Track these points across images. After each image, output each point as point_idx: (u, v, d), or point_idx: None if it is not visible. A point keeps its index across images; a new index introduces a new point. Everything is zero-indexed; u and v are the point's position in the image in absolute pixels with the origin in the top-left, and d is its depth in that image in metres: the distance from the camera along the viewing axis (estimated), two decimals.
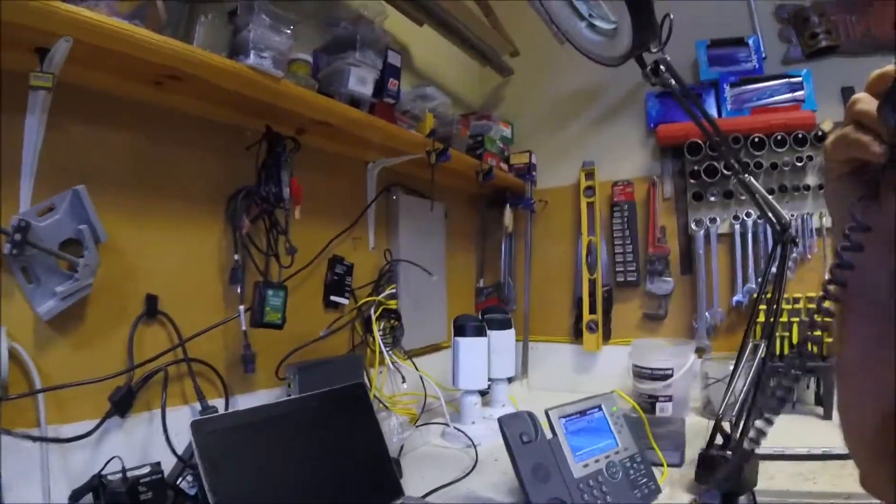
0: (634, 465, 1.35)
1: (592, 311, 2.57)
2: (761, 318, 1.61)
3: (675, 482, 1.44)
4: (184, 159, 1.44)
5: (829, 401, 1.91)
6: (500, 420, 1.23)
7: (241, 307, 1.46)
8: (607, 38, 1.10)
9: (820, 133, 2.17)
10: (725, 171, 2.25)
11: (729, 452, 1.27)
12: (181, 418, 1.33)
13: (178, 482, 1.25)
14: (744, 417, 1.30)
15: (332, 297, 1.85)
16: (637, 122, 2.58)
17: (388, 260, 2.11)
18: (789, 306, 2.08)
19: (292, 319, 1.55)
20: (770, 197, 1.40)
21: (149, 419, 1.31)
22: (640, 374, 2.13)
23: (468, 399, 1.96)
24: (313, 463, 1.22)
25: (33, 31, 0.99)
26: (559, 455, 1.24)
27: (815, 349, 2.00)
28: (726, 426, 1.33)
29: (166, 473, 1.23)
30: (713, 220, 2.36)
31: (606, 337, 2.59)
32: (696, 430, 1.74)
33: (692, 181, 2.38)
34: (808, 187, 2.21)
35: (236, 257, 1.48)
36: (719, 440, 1.33)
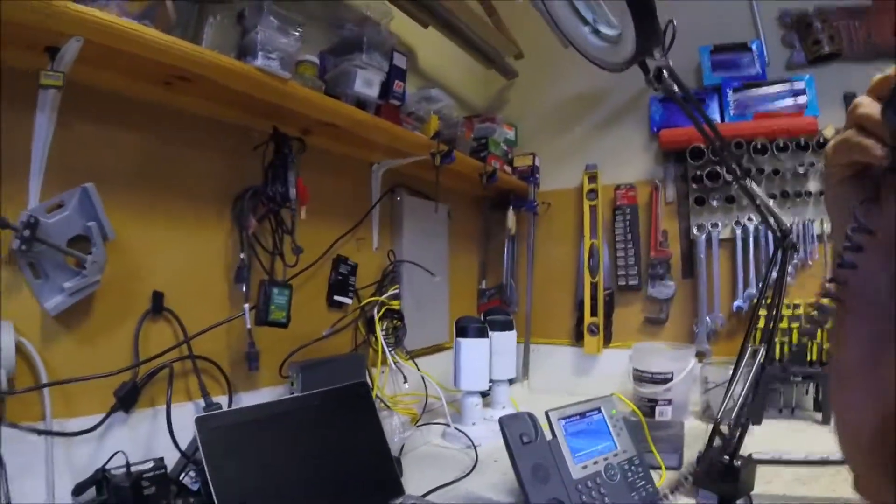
0: (633, 467, 1.36)
1: (594, 313, 2.57)
2: (761, 324, 1.61)
3: (672, 485, 1.45)
4: (191, 159, 1.46)
5: (828, 406, 1.92)
6: (500, 420, 1.25)
7: (246, 305, 1.47)
8: (611, 44, 1.11)
9: (822, 139, 2.17)
10: (727, 177, 2.26)
11: (727, 457, 1.28)
12: (185, 414, 1.34)
13: (181, 477, 1.27)
14: (742, 422, 1.30)
15: (336, 297, 1.86)
16: (640, 127, 2.59)
17: (392, 260, 2.13)
18: (789, 312, 2.09)
19: (296, 318, 1.56)
20: (771, 203, 1.40)
21: (153, 415, 1.32)
22: (641, 377, 2.13)
23: (469, 400, 1.97)
24: (315, 460, 1.23)
25: (44, 31, 1.00)
26: (558, 456, 1.25)
27: (813, 354, 2.01)
28: (725, 430, 1.34)
29: (169, 469, 1.25)
30: (715, 225, 2.36)
31: (607, 340, 2.60)
32: (696, 433, 1.75)
33: (694, 186, 2.39)
34: (809, 193, 2.22)
35: (242, 256, 1.50)
36: (717, 444, 1.34)
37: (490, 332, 2.05)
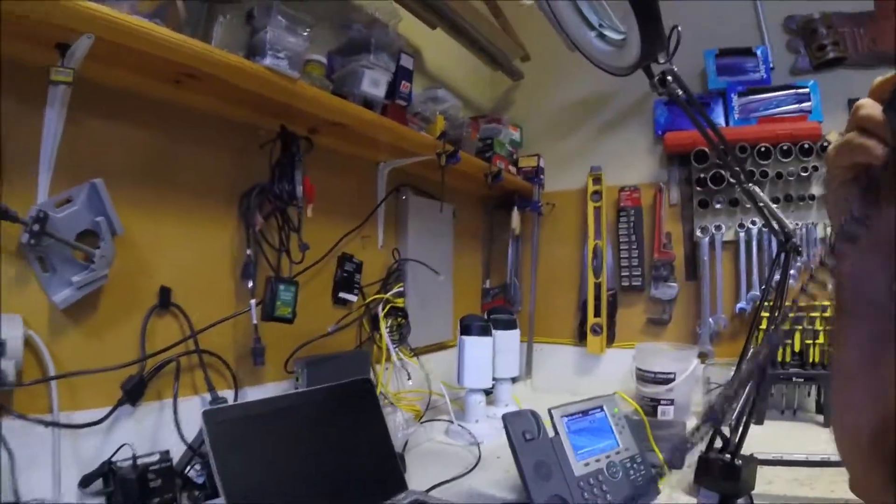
0: (634, 465, 1.37)
1: (597, 314, 2.58)
2: (763, 326, 1.62)
3: (673, 483, 1.46)
4: (199, 156, 1.47)
5: (830, 408, 1.93)
6: (503, 417, 1.25)
7: (253, 301, 1.49)
8: (616, 48, 1.12)
9: (826, 144, 2.17)
10: (731, 180, 2.27)
11: (728, 455, 1.29)
12: (191, 408, 1.36)
13: (186, 470, 1.28)
14: (742, 422, 1.31)
15: (341, 294, 1.88)
16: (645, 129, 2.60)
17: (397, 259, 2.14)
18: (792, 314, 2.09)
19: (301, 315, 1.57)
20: (774, 206, 1.41)
21: (159, 408, 1.34)
22: (643, 377, 2.14)
23: (472, 397, 1.98)
24: (319, 455, 1.24)
25: (55, 27, 1.01)
26: (561, 453, 1.26)
27: (815, 356, 2.02)
28: (725, 430, 1.35)
29: (175, 462, 1.26)
30: (718, 228, 2.37)
31: (610, 340, 2.61)
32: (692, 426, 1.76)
33: (698, 188, 2.40)
34: (812, 197, 2.23)
35: (249, 253, 1.51)
36: (718, 443, 1.34)
37: (494, 331, 2.07)
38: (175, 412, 1.32)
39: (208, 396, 1.40)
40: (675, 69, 1.05)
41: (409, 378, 1.99)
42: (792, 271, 1.52)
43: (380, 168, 2.08)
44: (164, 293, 1.37)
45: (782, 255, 1.45)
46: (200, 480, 1.28)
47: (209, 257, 1.50)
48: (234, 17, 1.33)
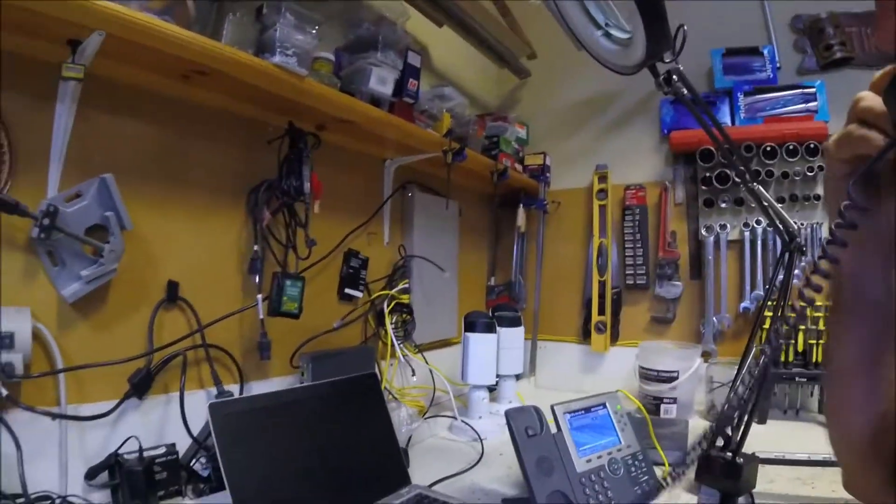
0: (636, 462, 1.38)
1: (601, 312, 2.59)
2: (767, 325, 1.63)
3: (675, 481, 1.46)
4: (208, 152, 1.48)
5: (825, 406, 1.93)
6: (506, 413, 1.26)
7: (259, 296, 1.50)
8: (622, 47, 1.12)
9: None
10: (736, 179, 2.27)
11: (729, 454, 1.29)
12: (197, 402, 1.37)
13: (192, 463, 1.29)
14: (744, 421, 1.31)
15: (347, 290, 1.89)
16: (651, 128, 2.60)
17: (402, 255, 2.15)
18: (792, 315, 2.08)
19: (307, 310, 1.58)
20: (780, 206, 1.42)
21: (165, 401, 1.35)
22: (647, 375, 2.15)
23: (476, 394, 1.99)
24: (324, 448, 1.25)
25: (67, 24, 1.02)
26: (563, 449, 1.26)
27: (818, 356, 2.02)
28: (727, 429, 1.35)
29: (181, 454, 1.28)
30: (723, 227, 2.37)
31: (614, 338, 2.62)
32: (700, 432, 1.76)
33: (704, 187, 2.40)
34: (818, 197, 2.22)
35: (256, 248, 1.52)
36: (720, 442, 1.35)
37: (498, 328, 2.07)
38: (181, 405, 1.33)
39: (214, 390, 1.42)
40: (681, 68, 1.05)
41: (414, 374, 2.01)
42: (796, 271, 1.52)
43: (386, 165, 2.09)
44: (172, 287, 1.38)
45: (786, 255, 1.46)
46: (206, 473, 1.29)
47: (217, 252, 1.51)
48: (243, 14, 1.34)
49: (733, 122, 2.34)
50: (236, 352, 1.51)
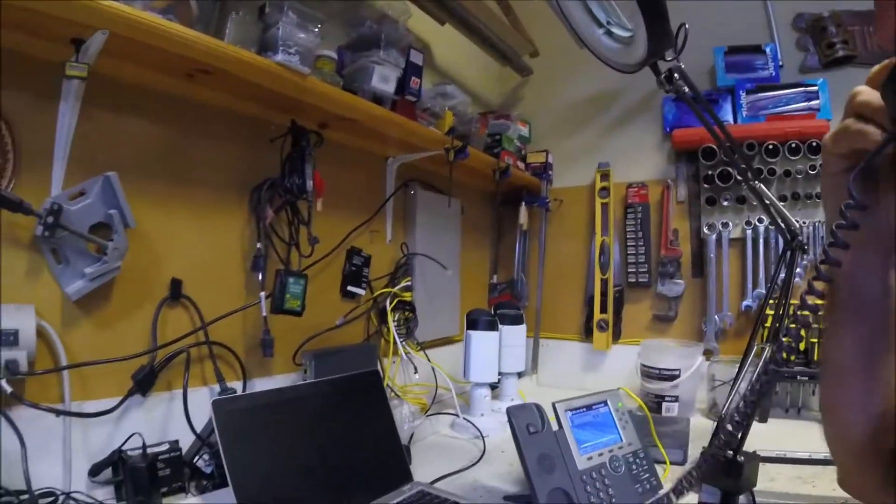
0: (637, 460, 1.38)
1: (603, 310, 2.59)
2: (768, 323, 1.63)
3: (675, 479, 1.46)
4: (211, 150, 1.48)
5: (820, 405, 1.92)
6: (508, 410, 1.26)
7: (262, 293, 1.50)
8: (624, 46, 1.12)
9: None
10: (739, 177, 2.26)
11: (730, 452, 1.29)
12: (200, 399, 1.37)
13: (195, 460, 1.30)
14: (746, 419, 1.32)
15: (350, 288, 1.89)
16: (653, 126, 2.60)
17: (405, 253, 2.16)
18: (798, 324, 2.08)
19: (310, 308, 1.59)
20: (782, 204, 1.41)
21: (169, 398, 1.36)
22: (648, 373, 2.15)
23: (478, 391, 1.99)
24: (327, 445, 1.25)
25: (71, 23, 1.03)
26: (564, 447, 1.26)
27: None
28: (729, 427, 1.35)
29: (184, 451, 1.28)
30: (725, 225, 2.38)
31: (616, 336, 2.62)
32: (701, 430, 1.77)
33: (706, 185, 2.40)
34: (820, 195, 2.22)
35: (259, 246, 1.52)
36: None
37: (500, 326, 2.07)
38: (185, 402, 1.33)
39: (217, 387, 1.42)
40: (682, 66, 1.05)
41: (416, 371, 2.01)
42: (798, 270, 1.52)
43: (389, 163, 2.09)
44: (175, 285, 1.39)
45: (788, 254, 1.46)
46: (209, 470, 1.30)
47: (220, 250, 1.51)
48: (246, 13, 1.34)
49: (735, 120, 2.34)
50: (239, 349, 1.52)
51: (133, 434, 1.22)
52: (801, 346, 2.04)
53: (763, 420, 1.98)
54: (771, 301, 1.50)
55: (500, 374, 2.09)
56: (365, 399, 1.40)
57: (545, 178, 2.75)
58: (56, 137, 1.14)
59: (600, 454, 1.32)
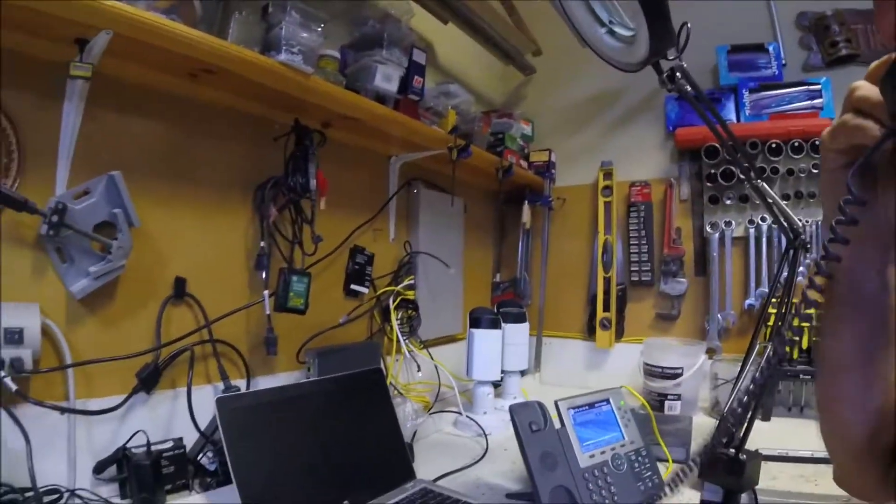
0: (640, 458, 1.38)
1: (606, 308, 2.59)
2: (771, 322, 1.63)
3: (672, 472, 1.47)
4: (215, 149, 1.49)
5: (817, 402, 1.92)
6: (510, 408, 1.26)
7: (266, 292, 1.51)
8: (626, 45, 1.13)
9: None
10: (741, 176, 2.26)
11: (732, 450, 1.29)
12: (204, 397, 1.38)
13: (199, 457, 1.30)
14: (747, 417, 1.32)
15: (353, 286, 1.90)
16: (656, 125, 2.60)
17: (408, 251, 2.16)
18: (799, 319, 2.07)
19: (313, 306, 1.59)
20: (784, 203, 1.42)
21: (173, 396, 1.36)
22: (651, 372, 2.15)
23: (481, 389, 2.00)
24: (330, 442, 1.26)
25: (74, 23, 1.03)
26: (566, 444, 1.26)
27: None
28: (731, 419, 1.35)
29: (188, 449, 1.29)
30: (728, 224, 2.37)
31: (619, 335, 2.62)
32: (704, 429, 1.77)
33: (709, 184, 2.40)
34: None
35: (262, 244, 1.53)
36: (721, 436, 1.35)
37: (503, 324, 2.07)
38: (189, 400, 1.34)
39: (221, 385, 1.42)
40: (684, 65, 1.05)
41: (419, 369, 2.02)
42: (801, 268, 1.52)
43: (392, 162, 2.09)
44: (179, 283, 1.39)
45: (791, 252, 1.46)
46: (213, 467, 1.30)
47: (224, 249, 1.52)
48: (249, 13, 1.35)
49: (738, 119, 2.33)
50: (243, 347, 1.52)
51: (137, 432, 1.23)
52: (805, 345, 2.04)
53: (766, 419, 1.98)
54: (774, 300, 1.50)
55: (502, 372, 2.09)
56: (368, 397, 1.41)
57: (548, 177, 2.75)
58: (60, 137, 1.15)
59: (602, 452, 1.32)
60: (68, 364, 1.16)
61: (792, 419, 2.01)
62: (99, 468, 1.19)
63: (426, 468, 1.48)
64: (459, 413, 1.93)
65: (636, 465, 1.36)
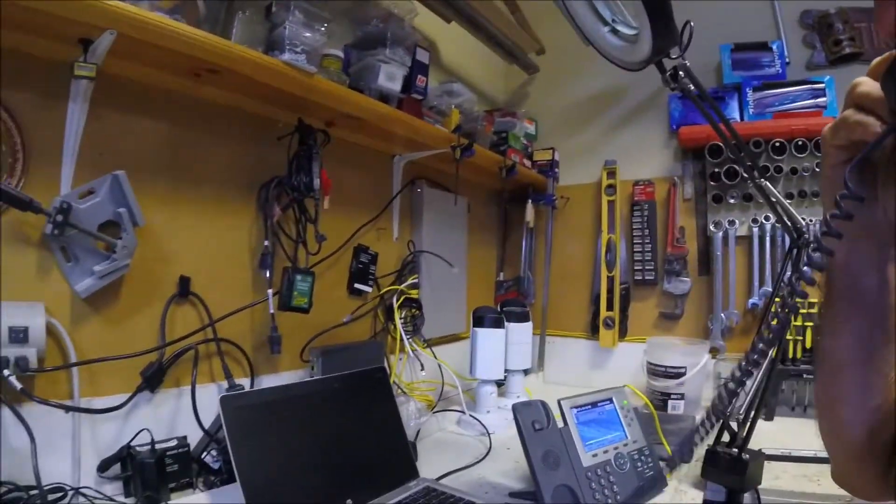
0: (642, 457, 1.38)
1: (609, 307, 2.59)
2: (774, 322, 1.62)
3: (681, 477, 1.47)
4: (218, 149, 1.49)
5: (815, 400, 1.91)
6: (513, 407, 1.26)
7: (270, 291, 1.51)
8: (629, 43, 1.13)
9: None
10: (745, 175, 2.26)
11: (735, 450, 1.29)
12: (208, 395, 1.38)
13: (203, 456, 1.31)
14: (751, 417, 1.32)
15: (356, 285, 1.90)
16: (659, 123, 2.59)
17: (411, 251, 2.16)
18: (803, 311, 2.08)
19: (317, 305, 1.59)
20: (788, 202, 1.41)
21: (177, 395, 1.37)
22: (654, 371, 2.15)
23: (484, 388, 2.00)
24: (334, 441, 1.26)
25: (79, 24, 1.03)
26: (569, 443, 1.26)
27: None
28: (734, 425, 1.35)
29: (192, 447, 1.29)
30: (732, 223, 2.37)
31: (622, 334, 2.62)
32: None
33: (712, 183, 2.39)
34: None
35: (266, 243, 1.53)
36: (726, 438, 1.35)
37: (506, 323, 2.08)
38: (193, 399, 1.34)
39: (225, 384, 1.43)
40: (687, 64, 1.05)
41: (423, 368, 2.02)
42: (805, 268, 1.51)
43: (395, 161, 2.10)
44: (184, 282, 1.40)
45: (794, 251, 1.46)
46: (216, 465, 1.30)
47: (228, 248, 1.52)
48: (252, 12, 1.35)
49: (742, 118, 2.33)
50: (247, 346, 1.53)
51: (141, 430, 1.24)
52: (808, 344, 2.03)
53: (769, 418, 1.98)
54: (777, 299, 1.50)
55: (506, 371, 2.09)
56: (371, 396, 1.41)
57: (551, 176, 2.75)
58: (65, 137, 1.15)
59: (605, 451, 1.32)
60: (73, 363, 1.16)
61: (795, 419, 2.01)
62: (103, 466, 1.19)
63: (429, 467, 1.48)
64: (463, 412, 1.93)
65: (639, 464, 1.36)
